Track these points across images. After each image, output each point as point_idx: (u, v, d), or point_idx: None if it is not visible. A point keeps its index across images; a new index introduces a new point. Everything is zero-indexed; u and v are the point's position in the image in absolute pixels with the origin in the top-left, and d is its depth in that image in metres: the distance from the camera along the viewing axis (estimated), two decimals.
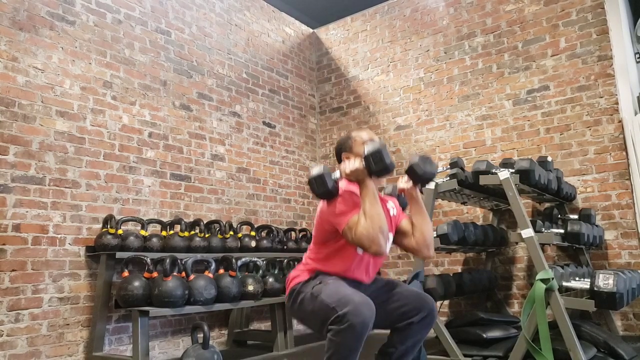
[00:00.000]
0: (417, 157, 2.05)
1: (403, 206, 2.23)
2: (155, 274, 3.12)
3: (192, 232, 3.62)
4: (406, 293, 2.03)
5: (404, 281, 3.10)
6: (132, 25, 3.77)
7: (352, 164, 1.88)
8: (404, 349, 1.97)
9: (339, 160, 2.10)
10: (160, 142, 3.83)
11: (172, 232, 3.57)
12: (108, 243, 3.18)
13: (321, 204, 1.98)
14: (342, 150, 2.09)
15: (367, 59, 5.22)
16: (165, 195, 3.80)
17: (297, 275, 2.02)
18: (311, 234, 4.51)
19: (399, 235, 2.11)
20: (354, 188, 1.92)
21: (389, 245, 1.96)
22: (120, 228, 3.27)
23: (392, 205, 2.14)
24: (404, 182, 2.12)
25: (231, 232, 3.89)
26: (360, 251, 1.93)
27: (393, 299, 2.00)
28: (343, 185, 1.95)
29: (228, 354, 3.66)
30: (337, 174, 1.93)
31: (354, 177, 1.89)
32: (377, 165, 1.83)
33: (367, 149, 1.86)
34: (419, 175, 2.03)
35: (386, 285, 2.07)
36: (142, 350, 2.88)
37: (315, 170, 1.88)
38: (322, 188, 1.87)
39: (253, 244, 3.96)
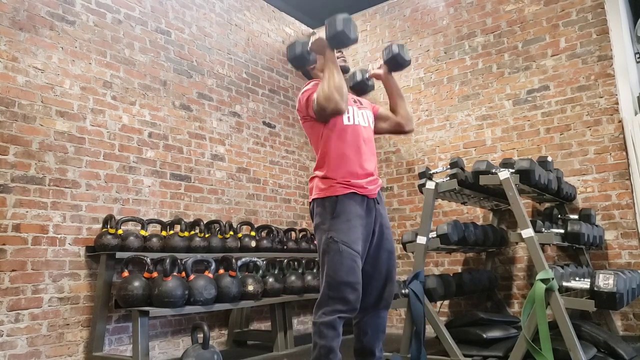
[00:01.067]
0: (396, 47, 2.23)
1: (368, 89, 2.44)
2: (155, 274, 3.12)
3: (192, 232, 3.62)
4: (383, 287, 2.14)
5: (404, 281, 3.10)
6: (132, 25, 3.77)
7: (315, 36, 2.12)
8: (368, 337, 2.13)
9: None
10: (160, 142, 3.83)
11: (172, 232, 3.57)
12: (108, 243, 3.18)
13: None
14: None
15: (367, 59, 5.22)
16: (165, 195, 3.80)
17: (315, 187, 2.13)
18: (312, 234, 4.53)
19: (381, 121, 2.34)
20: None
21: (370, 118, 2.24)
22: (120, 228, 3.27)
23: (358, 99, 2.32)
24: (376, 69, 2.36)
25: (231, 232, 3.89)
26: (346, 120, 2.11)
27: (375, 276, 2.12)
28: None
29: (228, 354, 3.66)
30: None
31: (316, 47, 2.12)
32: (330, 31, 2.01)
33: (328, 19, 2.03)
34: (400, 64, 2.27)
35: (386, 253, 2.14)
36: (142, 350, 2.88)
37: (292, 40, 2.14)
38: (292, 53, 2.10)
39: (253, 244, 3.96)
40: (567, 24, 4.06)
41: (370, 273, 2.09)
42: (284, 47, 5.24)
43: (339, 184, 2.04)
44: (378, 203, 2.13)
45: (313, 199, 2.12)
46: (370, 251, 2.09)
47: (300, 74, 5.37)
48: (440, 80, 4.69)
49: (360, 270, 1.99)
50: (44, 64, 3.20)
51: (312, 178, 2.17)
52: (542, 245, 2.88)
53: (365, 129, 2.18)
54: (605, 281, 2.48)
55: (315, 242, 4.45)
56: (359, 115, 2.19)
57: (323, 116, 2.05)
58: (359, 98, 2.32)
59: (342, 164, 2.07)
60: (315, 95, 2.03)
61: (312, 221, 2.13)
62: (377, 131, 2.33)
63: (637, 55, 4.55)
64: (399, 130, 2.37)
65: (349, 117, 2.13)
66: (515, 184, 2.86)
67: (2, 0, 3.04)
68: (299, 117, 2.25)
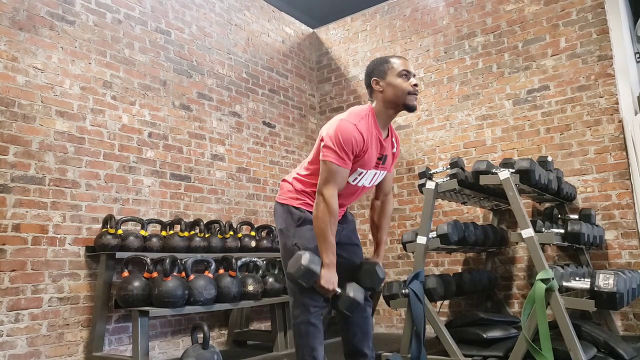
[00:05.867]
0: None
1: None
2: (155, 274, 3.12)
3: (192, 232, 3.62)
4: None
5: (404, 281, 3.09)
6: (132, 25, 3.77)
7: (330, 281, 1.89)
8: (358, 338, 2.12)
9: (368, 84, 2.03)
10: (160, 142, 3.83)
11: (172, 232, 3.57)
12: (108, 243, 3.18)
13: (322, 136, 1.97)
14: (374, 74, 2.02)
15: (367, 59, 5.21)
16: (165, 195, 3.80)
17: (289, 191, 2.09)
18: None
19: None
20: (356, 134, 1.90)
21: (379, 178, 2.13)
22: (120, 228, 3.27)
23: (395, 142, 2.20)
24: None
25: (231, 232, 3.89)
26: (352, 180, 2.01)
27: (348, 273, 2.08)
28: (348, 118, 1.95)
29: (228, 354, 3.66)
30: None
31: (323, 291, 1.91)
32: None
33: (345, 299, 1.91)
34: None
35: (351, 254, 2.14)
36: (142, 350, 2.88)
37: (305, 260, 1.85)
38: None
39: (253, 244, 3.96)
40: (567, 23, 4.06)
41: (343, 277, 2.05)
42: (284, 47, 5.24)
43: (310, 204, 2.02)
44: (342, 223, 2.14)
45: (281, 202, 2.09)
46: (339, 257, 2.03)
47: (299, 74, 5.38)
48: (440, 80, 4.69)
49: None
50: (43, 64, 3.20)
51: (287, 180, 2.13)
52: (542, 245, 2.88)
53: (363, 188, 2.11)
54: (606, 281, 2.48)
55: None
56: (368, 178, 2.07)
57: None
58: (391, 149, 2.14)
59: None
60: (323, 186, 1.90)
61: (275, 222, 2.12)
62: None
63: (637, 55, 4.55)
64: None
65: (356, 179, 2.03)
66: (516, 184, 2.85)
67: (2, 0, 3.04)
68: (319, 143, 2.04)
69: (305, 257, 1.86)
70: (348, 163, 1.92)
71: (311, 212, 1.98)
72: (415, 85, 2.01)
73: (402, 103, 2.01)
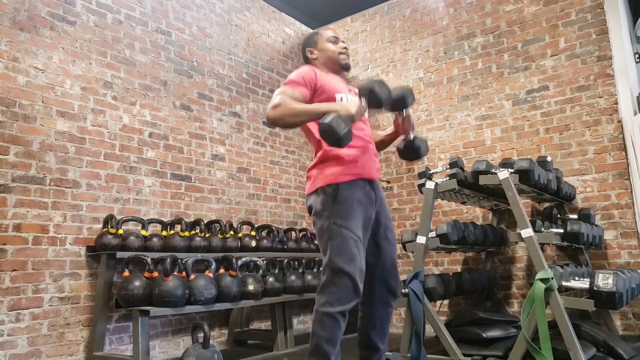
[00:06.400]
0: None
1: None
2: (155, 274, 3.12)
3: (193, 232, 3.62)
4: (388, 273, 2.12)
5: (404, 281, 3.10)
6: (133, 26, 3.78)
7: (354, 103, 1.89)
8: (376, 331, 2.10)
9: (304, 57, 2.26)
10: (161, 142, 3.83)
11: (172, 232, 3.58)
12: (108, 243, 3.19)
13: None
14: (307, 45, 2.24)
15: (367, 59, 5.23)
16: (166, 195, 3.81)
17: (313, 179, 2.07)
18: (312, 234, 4.53)
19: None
20: (310, 70, 2.06)
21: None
22: (121, 228, 3.28)
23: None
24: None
25: (231, 232, 3.90)
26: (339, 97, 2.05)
27: (379, 267, 2.09)
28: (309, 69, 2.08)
29: (228, 353, 3.67)
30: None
31: (356, 114, 1.87)
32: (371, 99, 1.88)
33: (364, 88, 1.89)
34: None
35: (388, 244, 2.12)
36: (142, 349, 2.88)
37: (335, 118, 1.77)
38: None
39: (253, 243, 3.96)
40: (567, 24, 4.06)
41: (374, 264, 2.05)
42: (284, 48, 5.25)
43: (340, 171, 1.99)
44: (378, 189, 2.11)
45: (314, 190, 2.04)
46: (372, 242, 2.05)
47: None
48: (439, 81, 4.70)
49: (362, 256, 1.93)
50: (44, 64, 3.20)
51: (311, 169, 2.11)
52: (542, 244, 2.89)
53: (362, 122, 2.09)
54: (605, 281, 2.49)
55: (316, 241, 4.47)
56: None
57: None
58: (353, 87, 2.22)
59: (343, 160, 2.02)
60: (277, 101, 1.93)
61: (310, 213, 2.05)
62: None
63: (637, 55, 4.57)
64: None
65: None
66: (515, 184, 2.86)
67: (2, 0, 3.05)
68: None
69: (325, 118, 1.78)
70: (301, 86, 1.99)
71: (338, 183, 1.97)
72: (345, 48, 2.22)
73: (337, 63, 2.20)
